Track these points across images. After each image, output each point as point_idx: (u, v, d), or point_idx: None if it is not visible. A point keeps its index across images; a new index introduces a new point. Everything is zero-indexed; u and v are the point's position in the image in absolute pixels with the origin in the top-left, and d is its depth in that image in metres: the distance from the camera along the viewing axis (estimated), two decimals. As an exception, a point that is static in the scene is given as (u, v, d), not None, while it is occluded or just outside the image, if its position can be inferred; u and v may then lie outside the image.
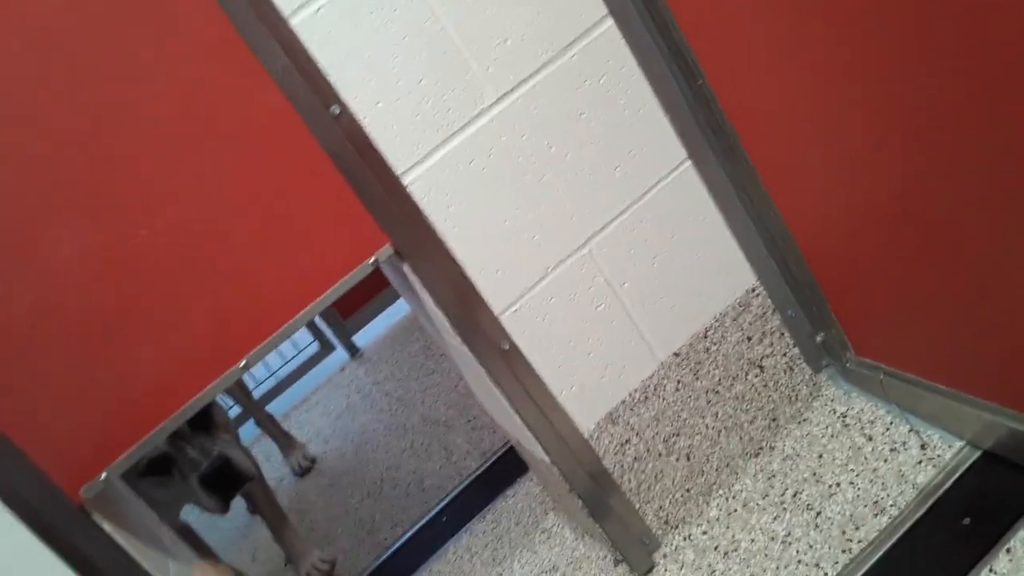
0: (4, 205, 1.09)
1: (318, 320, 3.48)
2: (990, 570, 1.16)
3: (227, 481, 1.61)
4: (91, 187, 1.12)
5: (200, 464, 1.59)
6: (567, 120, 1.34)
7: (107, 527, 1.16)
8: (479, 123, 1.30)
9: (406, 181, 1.27)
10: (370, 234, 1.26)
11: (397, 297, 3.39)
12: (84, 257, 1.13)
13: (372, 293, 3.41)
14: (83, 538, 1.13)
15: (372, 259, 1.27)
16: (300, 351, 3.61)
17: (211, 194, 1.18)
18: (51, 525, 1.11)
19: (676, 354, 1.49)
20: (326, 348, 3.52)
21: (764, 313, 1.53)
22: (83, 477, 1.14)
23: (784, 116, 1.25)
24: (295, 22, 1.17)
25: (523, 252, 1.36)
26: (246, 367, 1.20)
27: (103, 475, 1.15)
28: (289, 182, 1.21)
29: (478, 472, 2.10)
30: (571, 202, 1.38)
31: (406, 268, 1.32)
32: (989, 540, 1.20)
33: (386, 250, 1.28)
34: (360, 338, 3.44)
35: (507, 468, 2.01)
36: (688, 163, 1.43)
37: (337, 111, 1.21)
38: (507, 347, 1.37)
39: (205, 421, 1.63)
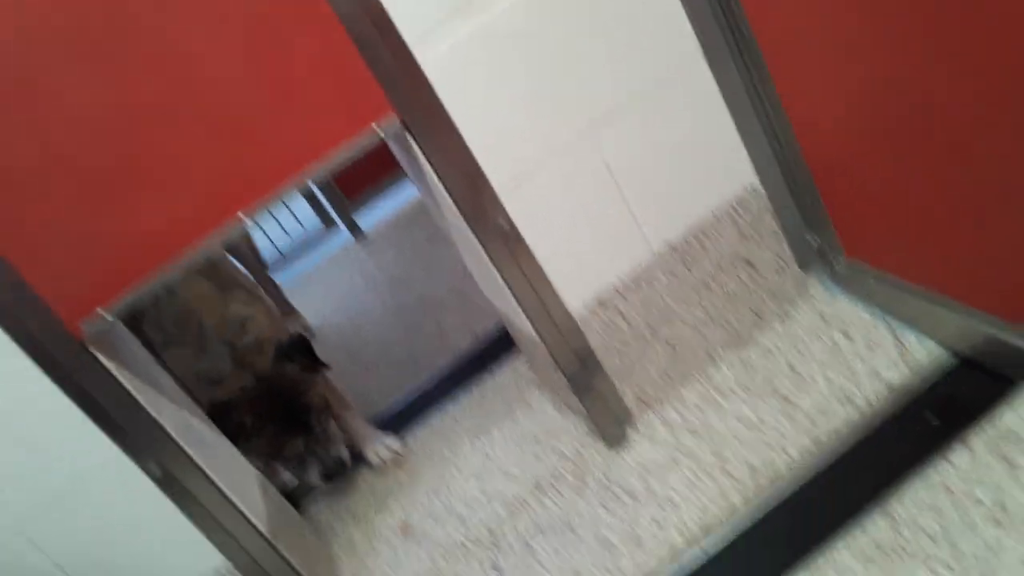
0: (13, 52, 1.10)
1: (323, 200, 3.49)
2: (949, 463, 1.21)
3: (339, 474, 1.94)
4: (98, 37, 1.13)
5: (328, 465, 1.90)
6: (582, 3, 1.33)
7: (107, 363, 1.21)
8: (493, 2, 1.29)
9: (417, 53, 1.27)
10: (376, 102, 1.27)
11: (403, 181, 3.40)
12: (91, 104, 1.15)
13: (379, 176, 3.42)
14: (82, 371, 1.18)
15: (377, 128, 1.28)
16: (304, 228, 3.64)
17: (219, 48, 1.18)
18: (51, 355, 1.16)
19: (671, 245, 1.52)
20: (330, 228, 3.55)
21: (761, 211, 1.55)
22: (83, 313, 1.19)
23: (798, 15, 1.24)
24: None
25: (529, 133, 1.37)
26: (245, 223, 1.23)
27: (103, 312, 1.19)
28: (298, 42, 1.21)
29: (469, 351, 2.16)
30: (580, 86, 1.37)
31: (411, 142, 1.33)
32: (952, 436, 1.24)
33: (392, 120, 1.28)
34: (364, 221, 3.46)
35: (496, 348, 2.07)
36: (701, 56, 1.42)
37: (351, -27, 1.20)
38: (506, 226, 1.39)
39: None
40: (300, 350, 1.93)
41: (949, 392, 1.32)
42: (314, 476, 1.89)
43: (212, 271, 2.00)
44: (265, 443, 1.82)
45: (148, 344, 1.82)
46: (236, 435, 1.74)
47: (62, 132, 1.14)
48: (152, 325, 1.84)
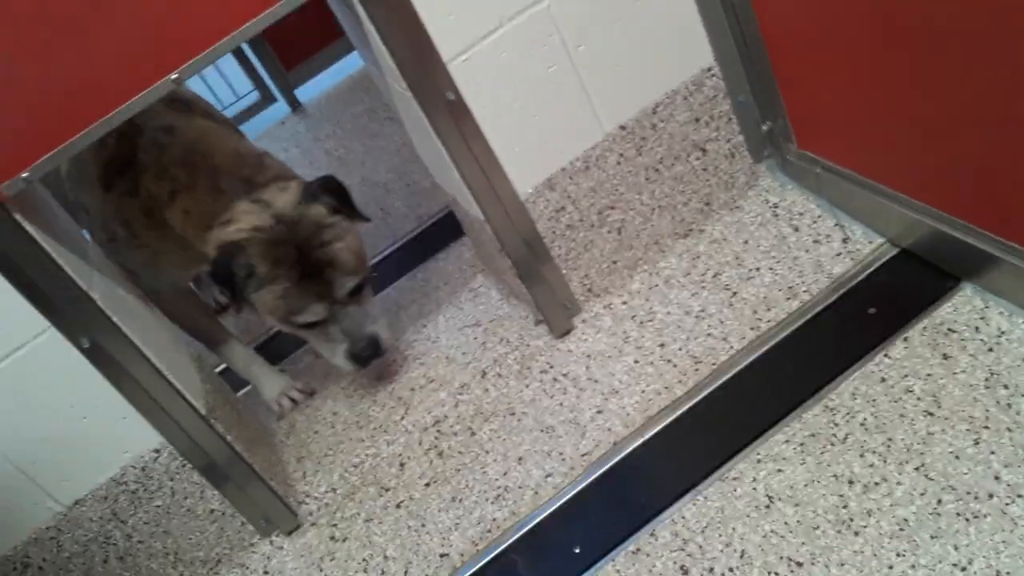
0: None
1: (260, 70, 3.33)
2: (886, 355, 1.23)
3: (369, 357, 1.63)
4: None
5: (355, 339, 1.60)
6: None
7: (29, 228, 1.14)
8: None
9: (361, -97, 1.18)
10: (318, -44, 1.18)
11: (345, 53, 3.25)
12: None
13: (319, 45, 3.26)
14: (4, 236, 1.11)
15: (318, -16, 1.19)
16: (240, 99, 3.48)
17: None
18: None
19: (623, 127, 1.48)
20: (267, 99, 3.40)
21: (716, 95, 1.51)
22: (3, 175, 1.11)
23: None
24: None
25: (480, -1, 1.29)
26: (177, 81, 1.14)
27: (24, 174, 1.11)
28: None
29: (413, 234, 2.12)
30: (536, -50, 1.30)
31: (355, 2, 1.24)
32: (890, 329, 1.27)
33: (334, -24, 1.20)
34: (303, 93, 3.32)
35: (441, 233, 2.03)
36: (663, -76, 1.35)
37: None
38: (453, 98, 1.33)
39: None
40: (332, 191, 1.57)
41: (891, 285, 1.34)
42: (340, 357, 1.61)
43: (208, 111, 1.70)
44: (277, 298, 1.51)
45: (148, 205, 1.55)
46: (245, 286, 1.50)
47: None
48: (155, 177, 1.53)
